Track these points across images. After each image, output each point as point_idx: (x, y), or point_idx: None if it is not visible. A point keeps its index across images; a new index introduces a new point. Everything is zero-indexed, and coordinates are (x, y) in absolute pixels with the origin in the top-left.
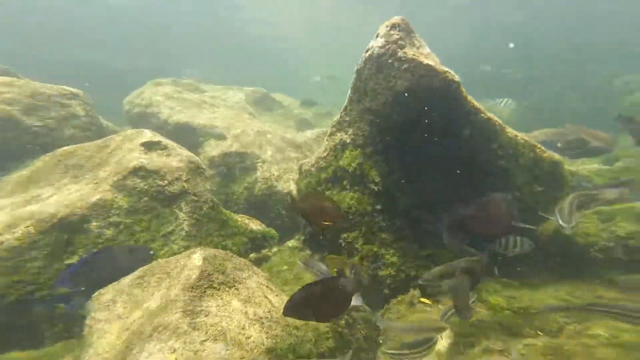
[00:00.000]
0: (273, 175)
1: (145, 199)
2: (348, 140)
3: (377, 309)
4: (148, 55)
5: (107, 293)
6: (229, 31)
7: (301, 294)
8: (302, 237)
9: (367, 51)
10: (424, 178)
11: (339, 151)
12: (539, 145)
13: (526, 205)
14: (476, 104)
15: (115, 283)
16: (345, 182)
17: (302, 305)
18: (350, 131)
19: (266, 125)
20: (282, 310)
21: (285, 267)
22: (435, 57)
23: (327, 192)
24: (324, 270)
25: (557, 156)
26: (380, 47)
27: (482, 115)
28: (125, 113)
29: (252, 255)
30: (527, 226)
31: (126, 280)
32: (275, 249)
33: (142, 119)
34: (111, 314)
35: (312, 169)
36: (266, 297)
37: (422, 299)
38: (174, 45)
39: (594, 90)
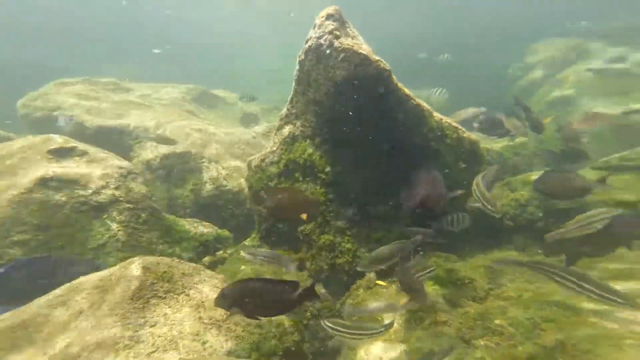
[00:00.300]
0: (221, 174)
1: (65, 211)
2: (297, 133)
3: (340, 296)
4: (53, 50)
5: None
6: (159, 26)
7: (235, 287)
8: (259, 235)
9: (306, 42)
10: (369, 164)
11: (289, 144)
12: (460, 127)
13: (454, 181)
14: (406, 90)
15: (25, 306)
16: (297, 175)
17: (231, 297)
18: (299, 123)
19: (209, 123)
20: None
21: (243, 267)
22: (367, 46)
23: (281, 187)
24: (269, 254)
25: (474, 135)
26: (318, 38)
27: (412, 101)
28: (22, 118)
29: (206, 259)
30: (460, 192)
31: (41, 301)
32: (231, 250)
33: (46, 124)
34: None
35: (263, 164)
36: None
37: (378, 282)
38: (89, 42)
39: (497, 78)
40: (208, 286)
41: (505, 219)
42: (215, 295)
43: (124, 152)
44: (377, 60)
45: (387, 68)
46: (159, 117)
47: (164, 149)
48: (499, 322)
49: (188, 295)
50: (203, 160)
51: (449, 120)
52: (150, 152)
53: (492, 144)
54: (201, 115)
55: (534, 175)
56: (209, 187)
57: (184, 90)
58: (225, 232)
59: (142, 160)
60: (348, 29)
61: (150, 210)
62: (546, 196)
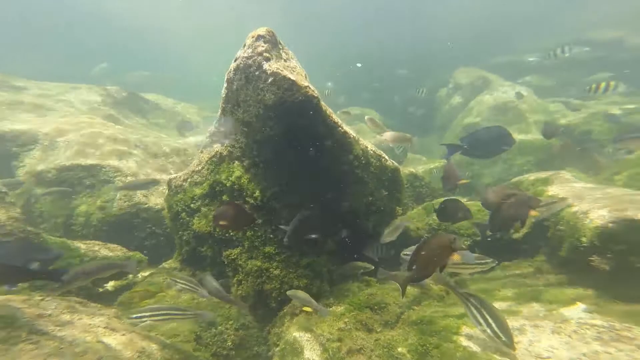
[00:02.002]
0: (140, 190)
1: None
2: (225, 153)
3: (267, 322)
4: None
5: None
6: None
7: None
8: (180, 258)
9: (235, 60)
10: (300, 189)
11: (216, 164)
12: (384, 155)
13: (377, 207)
14: (335, 118)
15: None
16: (225, 197)
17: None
18: (227, 143)
19: (133, 130)
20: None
21: (152, 290)
22: (301, 70)
23: (204, 209)
24: (194, 283)
25: (395, 163)
26: (247, 58)
27: (340, 129)
28: None
29: (110, 284)
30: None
31: None
32: (146, 273)
33: None
34: None
35: (185, 184)
36: (100, 340)
37: (305, 308)
38: None
39: (426, 102)
40: (81, 326)
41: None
42: (125, 346)
43: (3, 160)
44: (306, 87)
45: (316, 95)
46: (62, 122)
47: (64, 158)
48: (401, 349)
49: (37, 343)
50: (117, 174)
51: (373, 148)
52: (42, 162)
53: (417, 167)
54: (127, 121)
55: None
56: (123, 204)
57: (103, 93)
58: (137, 255)
59: (30, 171)
60: (282, 51)
61: (22, 235)
62: (443, 220)
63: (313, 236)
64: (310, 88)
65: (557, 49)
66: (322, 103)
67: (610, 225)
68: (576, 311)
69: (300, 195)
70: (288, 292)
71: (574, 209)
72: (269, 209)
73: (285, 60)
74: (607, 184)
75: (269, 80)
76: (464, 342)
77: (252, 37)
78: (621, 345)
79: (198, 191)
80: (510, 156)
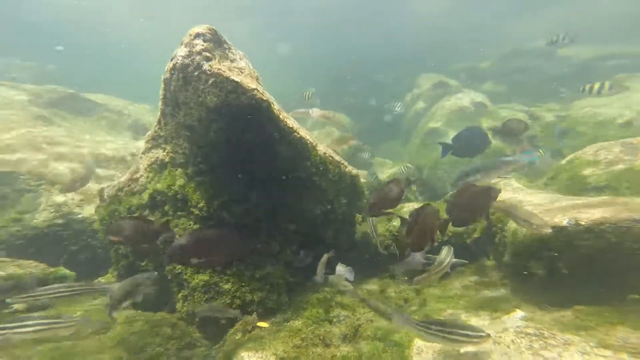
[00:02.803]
0: (73, 199)
1: None
2: (167, 159)
3: (217, 340)
4: None
5: None
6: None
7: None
8: (117, 272)
9: (171, 59)
10: (253, 197)
11: (156, 171)
12: (343, 162)
13: (337, 215)
14: (290, 123)
15: None
16: (167, 208)
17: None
18: (168, 148)
19: (68, 134)
20: None
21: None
22: (252, 71)
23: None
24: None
25: (355, 170)
26: (185, 57)
27: (296, 134)
28: None
29: (16, 306)
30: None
31: None
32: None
33: None
34: None
35: (121, 193)
36: None
37: (260, 323)
38: None
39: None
40: None
41: (381, 248)
42: None
43: None
44: (253, 89)
45: (265, 98)
46: None
47: None
48: None
49: None
50: (41, 182)
51: (332, 155)
52: None
53: (384, 172)
54: (65, 123)
55: (406, 207)
56: (47, 215)
57: (34, 92)
58: (61, 271)
59: None
60: (228, 51)
61: None
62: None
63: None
64: (258, 91)
65: (558, 35)
66: (275, 107)
67: (543, 232)
68: (515, 319)
69: (254, 203)
70: None
71: (517, 213)
72: (218, 220)
73: (232, 61)
74: (544, 188)
75: (210, 81)
76: (414, 357)
77: (190, 35)
78: (547, 354)
79: (135, 201)
80: (467, 161)
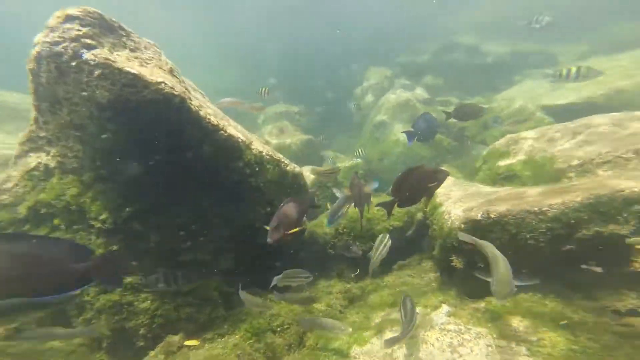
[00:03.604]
0: None
1: None
2: (53, 164)
3: None
4: None
5: None
6: None
7: None
8: None
9: (34, 46)
10: (175, 204)
11: (38, 179)
12: (283, 159)
13: None
14: (214, 120)
15: None
16: (57, 221)
17: None
18: (54, 151)
19: None
20: None
21: None
22: (162, 63)
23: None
24: None
25: (297, 168)
26: (53, 44)
27: (222, 132)
28: None
29: None
30: None
31: None
32: None
33: None
34: None
35: None
36: None
37: (188, 342)
38: None
39: (345, 99)
40: None
41: (327, 247)
42: None
43: None
44: (159, 83)
45: (177, 93)
46: None
47: None
48: None
49: None
50: None
51: (270, 153)
52: None
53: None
54: None
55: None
56: None
57: None
58: None
59: None
60: (127, 39)
61: None
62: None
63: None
64: (166, 84)
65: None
66: (192, 103)
67: (463, 226)
68: (440, 315)
69: (176, 211)
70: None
71: (442, 208)
72: (129, 232)
73: (132, 50)
74: (470, 178)
75: (96, 72)
76: None
77: (58, 18)
78: (462, 350)
79: (6, 216)
80: (411, 152)
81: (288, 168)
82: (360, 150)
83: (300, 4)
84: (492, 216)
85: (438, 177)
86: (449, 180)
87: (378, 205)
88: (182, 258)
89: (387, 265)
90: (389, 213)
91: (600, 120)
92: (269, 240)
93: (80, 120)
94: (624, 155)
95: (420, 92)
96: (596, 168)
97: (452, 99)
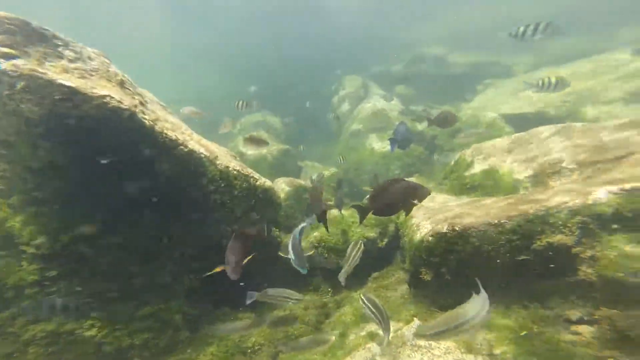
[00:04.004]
0: None
1: None
2: None
3: None
4: None
5: None
6: None
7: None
8: None
9: None
10: (131, 225)
11: None
12: (252, 174)
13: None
14: (172, 135)
15: None
16: None
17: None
18: None
19: None
20: None
21: None
22: (114, 75)
23: None
24: None
25: (268, 182)
26: None
27: (182, 147)
28: None
29: None
30: None
31: None
32: None
33: None
34: None
35: None
36: None
37: None
38: None
39: (323, 107)
40: None
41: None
42: None
43: None
44: (104, 96)
45: (125, 107)
46: None
47: None
48: None
49: None
50: None
51: (238, 168)
52: None
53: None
54: None
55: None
56: None
57: None
58: None
59: None
60: (64, 49)
61: None
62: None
63: None
64: (112, 98)
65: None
66: (145, 117)
67: (430, 238)
68: (412, 330)
69: (135, 232)
70: None
71: (412, 220)
72: (72, 256)
73: (71, 61)
74: (441, 188)
75: (18, 85)
76: None
77: None
78: None
79: None
80: (387, 161)
81: (258, 183)
82: (340, 158)
83: (279, 11)
84: (457, 229)
85: (418, 194)
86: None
87: (353, 206)
88: (136, 281)
89: (362, 278)
90: (361, 219)
91: (548, 132)
92: (233, 277)
93: (6, 136)
94: (568, 166)
95: (394, 101)
96: (547, 179)
97: (423, 108)
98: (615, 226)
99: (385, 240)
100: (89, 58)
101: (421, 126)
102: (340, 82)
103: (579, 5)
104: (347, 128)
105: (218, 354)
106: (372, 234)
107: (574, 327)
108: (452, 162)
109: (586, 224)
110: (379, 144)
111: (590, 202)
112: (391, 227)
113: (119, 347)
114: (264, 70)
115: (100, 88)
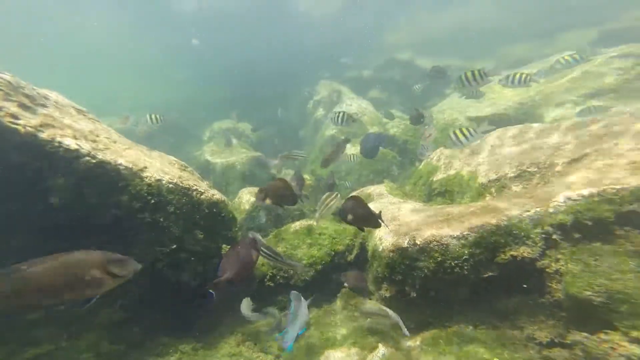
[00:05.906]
0: None
1: None
2: None
3: None
4: None
5: None
6: None
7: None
8: None
9: None
10: (25, 252)
11: None
12: (195, 187)
13: (190, 253)
14: (87, 146)
15: None
16: None
17: None
18: None
19: None
20: None
21: None
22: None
23: None
24: None
25: (217, 195)
26: None
27: (88, 159)
28: None
29: None
30: None
31: None
32: None
33: None
34: None
35: None
36: None
37: None
38: None
39: (300, 114)
40: None
41: (266, 279)
42: None
43: None
44: None
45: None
46: None
47: None
48: None
49: None
50: None
51: (175, 180)
52: None
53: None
54: None
55: (294, 226)
56: None
57: None
58: None
59: None
60: None
61: None
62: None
63: None
64: None
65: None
66: (18, 122)
67: (391, 254)
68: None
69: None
70: None
71: (376, 232)
72: None
73: None
74: (411, 194)
75: None
76: None
77: None
78: None
79: None
80: (358, 167)
81: (203, 197)
82: (311, 172)
83: (252, 15)
84: (418, 242)
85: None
86: (387, 198)
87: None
88: (31, 317)
89: (332, 295)
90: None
91: (510, 132)
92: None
93: None
94: (529, 170)
95: (365, 105)
96: (510, 183)
97: (397, 113)
98: (577, 235)
99: (355, 252)
100: None
101: (392, 130)
102: (313, 88)
103: (532, 10)
104: (322, 134)
105: None
106: (340, 246)
107: (545, 352)
108: (420, 167)
109: (549, 234)
110: (353, 150)
111: (551, 210)
112: (357, 241)
113: None
114: (233, 76)
115: None
